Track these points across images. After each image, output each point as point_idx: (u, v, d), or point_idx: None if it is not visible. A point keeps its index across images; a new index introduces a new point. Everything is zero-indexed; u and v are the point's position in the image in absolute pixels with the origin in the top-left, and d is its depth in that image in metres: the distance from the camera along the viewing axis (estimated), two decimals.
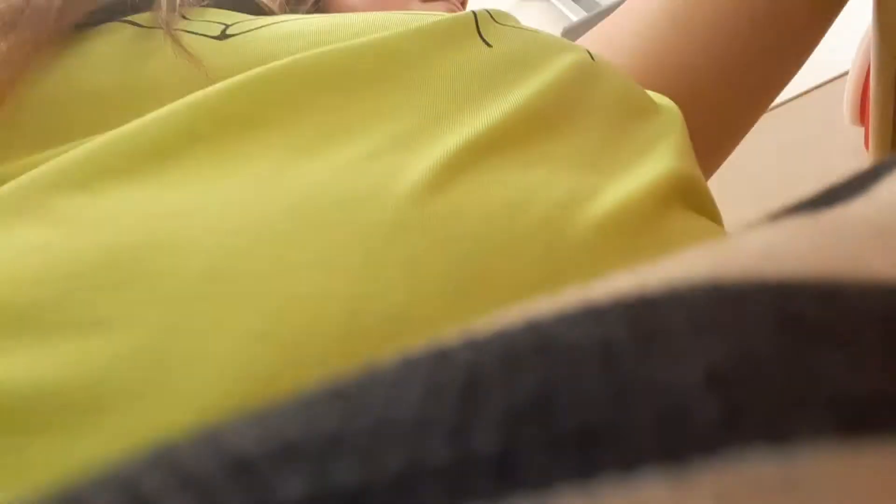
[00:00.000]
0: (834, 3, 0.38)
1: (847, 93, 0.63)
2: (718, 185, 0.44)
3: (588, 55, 0.28)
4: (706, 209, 0.26)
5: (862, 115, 0.59)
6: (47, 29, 0.24)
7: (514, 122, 0.22)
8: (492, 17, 0.27)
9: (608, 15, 0.90)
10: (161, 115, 0.21)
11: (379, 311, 0.17)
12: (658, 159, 0.24)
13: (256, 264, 0.18)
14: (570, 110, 0.24)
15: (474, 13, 0.27)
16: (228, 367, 0.17)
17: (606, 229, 0.20)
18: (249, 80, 0.22)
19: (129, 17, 0.26)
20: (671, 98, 0.32)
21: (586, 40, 0.41)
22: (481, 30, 0.26)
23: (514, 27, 0.28)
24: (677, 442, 0.07)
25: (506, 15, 0.29)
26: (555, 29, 1.04)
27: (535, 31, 0.28)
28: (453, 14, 0.26)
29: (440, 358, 0.08)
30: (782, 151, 0.67)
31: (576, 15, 0.96)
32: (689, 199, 0.25)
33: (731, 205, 0.62)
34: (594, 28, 0.41)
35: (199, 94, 0.22)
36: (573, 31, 0.93)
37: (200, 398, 0.16)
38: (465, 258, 0.18)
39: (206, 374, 0.17)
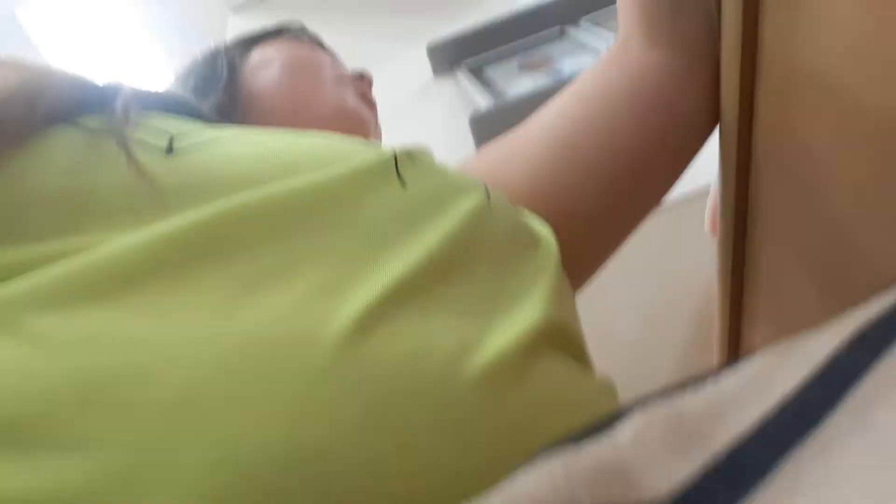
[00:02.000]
0: (703, 133, 0.43)
1: (709, 206, 0.71)
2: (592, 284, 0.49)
3: (485, 195, 0.32)
4: (572, 348, 0.30)
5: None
6: (14, 132, 0.25)
7: (422, 270, 0.26)
8: (410, 156, 0.31)
9: (513, 106, 0.96)
10: (128, 245, 0.23)
11: (310, 443, 0.20)
12: (531, 306, 0.28)
13: (211, 399, 0.21)
14: (467, 256, 0.28)
15: (395, 154, 0.30)
16: (192, 487, 0.19)
17: (485, 378, 0.24)
18: (210, 219, 0.25)
19: (78, 120, 0.27)
20: (555, 215, 0.36)
21: (489, 153, 0.44)
22: (399, 169, 0.30)
23: (427, 168, 0.31)
24: None
25: (422, 152, 0.32)
26: (463, 112, 1.11)
27: (445, 171, 0.32)
28: (376, 153, 0.30)
29: None
30: (651, 256, 0.74)
31: (484, 101, 1.03)
32: (557, 342, 0.29)
33: (603, 298, 0.67)
34: (497, 143, 0.45)
35: (168, 228, 0.24)
36: (480, 120, 0.98)
37: None
38: (378, 400, 0.22)
39: (177, 494, 0.19)
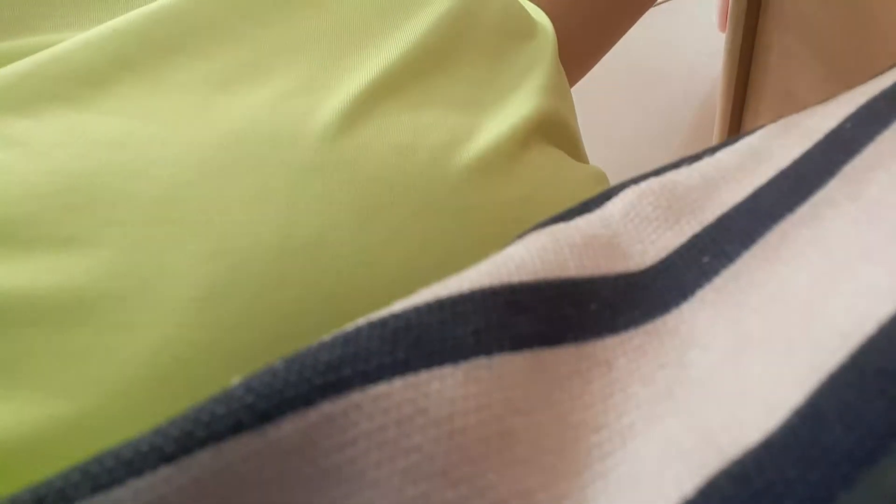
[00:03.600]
0: None
1: (720, 1, 0.66)
2: (587, 78, 0.47)
3: None
4: (565, 142, 0.30)
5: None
6: None
7: (409, 61, 0.25)
8: None
9: None
10: (90, 40, 0.22)
11: (304, 236, 0.21)
12: (525, 98, 0.27)
13: (200, 195, 0.20)
14: (457, 43, 0.27)
15: None
16: (188, 279, 0.19)
17: (476, 169, 0.24)
18: (173, 6, 0.23)
19: None
20: (554, 4, 0.34)
21: None
22: None
23: None
24: None
25: None
26: None
27: None
28: None
29: None
30: (652, 49, 0.71)
31: None
32: (550, 135, 0.28)
33: (600, 94, 0.66)
34: None
35: (123, 20, 0.22)
36: None
37: (175, 303, 0.19)
38: (367, 194, 0.22)
39: (175, 286, 0.19)
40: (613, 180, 0.32)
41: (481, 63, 0.27)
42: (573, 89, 0.43)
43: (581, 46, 0.40)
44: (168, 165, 0.20)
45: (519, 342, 0.13)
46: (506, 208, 0.24)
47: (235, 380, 0.12)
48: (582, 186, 0.28)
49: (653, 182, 0.16)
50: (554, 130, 0.29)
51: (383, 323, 0.12)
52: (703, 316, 0.14)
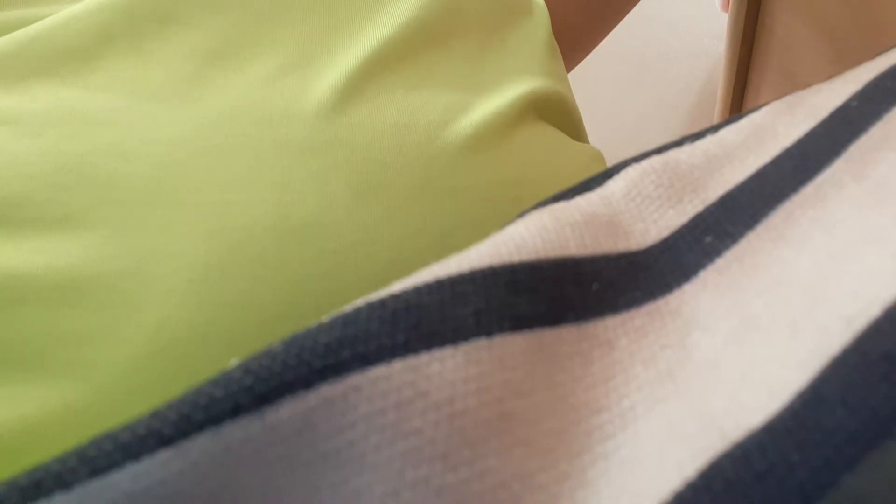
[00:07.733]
0: None
1: None
2: (588, 58, 0.47)
3: None
4: (562, 121, 0.30)
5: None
6: None
7: (403, 38, 0.25)
8: None
9: None
10: (76, 14, 0.21)
11: (299, 216, 0.20)
12: (518, 76, 0.27)
13: (193, 175, 0.20)
14: (451, 21, 0.27)
15: None
16: (188, 259, 0.19)
17: (469, 147, 0.24)
18: None
19: None
20: None
21: None
22: None
23: None
24: None
25: None
26: None
27: None
28: None
29: None
30: (654, 29, 0.70)
31: None
32: (544, 112, 0.28)
33: (601, 75, 0.65)
34: None
35: None
36: None
37: (172, 284, 0.19)
38: (363, 172, 0.22)
39: (171, 267, 0.19)
40: (614, 161, 0.32)
41: (475, 40, 0.27)
42: (574, 71, 0.43)
43: (578, 30, 0.40)
44: (160, 145, 0.20)
45: (519, 322, 0.13)
46: (500, 187, 0.24)
47: (234, 362, 0.12)
48: (578, 165, 0.28)
49: (654, 160, 0.16)
50: (550, 108, 0.29)
51: (382, 304, 0.12)
52: (706, 297, 0.14)
